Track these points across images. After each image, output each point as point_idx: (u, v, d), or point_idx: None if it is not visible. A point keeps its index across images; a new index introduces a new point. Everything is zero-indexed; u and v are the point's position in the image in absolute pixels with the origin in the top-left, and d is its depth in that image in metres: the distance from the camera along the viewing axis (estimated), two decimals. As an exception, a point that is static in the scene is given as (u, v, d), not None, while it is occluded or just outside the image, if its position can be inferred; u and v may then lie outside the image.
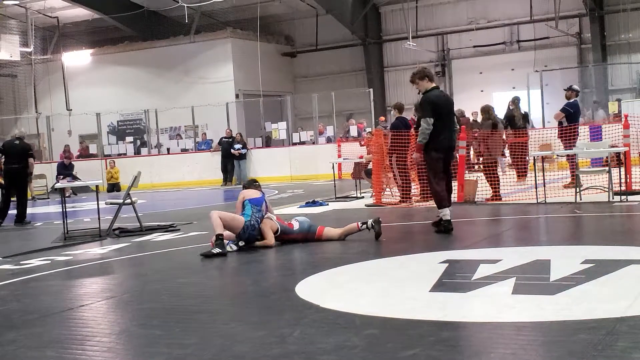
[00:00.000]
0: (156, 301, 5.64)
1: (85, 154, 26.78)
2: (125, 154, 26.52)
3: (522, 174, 14.26)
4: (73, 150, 26.15)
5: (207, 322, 4.81)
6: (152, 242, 9.33)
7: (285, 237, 8.10)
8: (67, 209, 10.69)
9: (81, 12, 28.69)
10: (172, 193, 21.46)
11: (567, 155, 12.28)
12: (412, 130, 12.17)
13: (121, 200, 10.68)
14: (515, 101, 15.67)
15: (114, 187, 23.63)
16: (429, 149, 8.38)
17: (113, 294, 6.10)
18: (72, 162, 24.22)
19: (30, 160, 13.78)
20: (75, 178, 22.42)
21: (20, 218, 13.28)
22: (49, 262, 8.10)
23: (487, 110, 12.40)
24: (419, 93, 8.73)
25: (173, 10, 26.91)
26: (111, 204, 11.16)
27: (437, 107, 8.33)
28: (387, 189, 13.16)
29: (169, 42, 28.11)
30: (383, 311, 4.76)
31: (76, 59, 28.87)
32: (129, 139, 27.64)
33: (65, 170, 23.28)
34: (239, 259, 7.54)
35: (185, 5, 25.12)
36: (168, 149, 26.35)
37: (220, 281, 6.46)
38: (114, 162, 24.72)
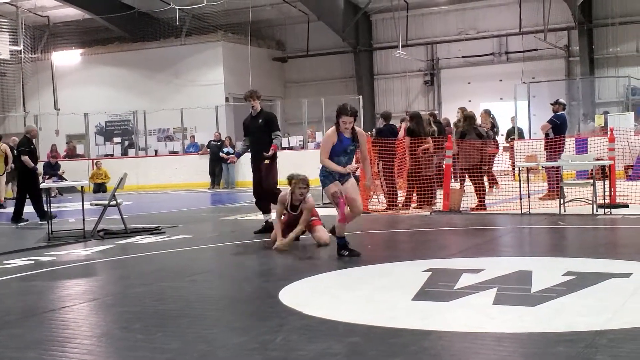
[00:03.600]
0: (138, 305, 5.63)
1: (72, 154, 26.65)
2: (112, 155, 26.43)
3: (492, 184, 14.47)
4: (60, 150, 26.04)
5: (189, 327, 4.80)
6: (137, 244, 9.31)
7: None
8: (52, 209, 10.64)
9: (72, 12, 28.60)
10: (159, 195, 21.40)
11: (552, 167, 12.36)
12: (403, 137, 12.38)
13: (106, 202, 10.65)
14: (488, 113, 15.85)
15: (100, 188, 23.53)
16: (275, 159, 9.57)
17: (95, 296, 6.08)
18: (59, 162, 24.11)
19: (23, 158, 13.47)
20: (61, 178, 22.31)
21: (40, 213, 12.98)
22: (33, 262, 8.07)
23: (468, 117, 12.55)
24: (252, 108, 9.71)
25: (164, 12, 26.88)
26: (96, 205, 11.12)
27: None
28: (374, 196, 13.20)
29: (159, 44, 28.07)
30: (366, 319, 4.78)
31: (66, 58, 28.76)
32: (117, 139, 27.55)
33: (51, 170, 23.18)
34: (223, 263, 7.54)
35: (177, 7, 25.11)
36: (156, 151, 26.28)
37: (203, 286, 6.45)
38: (100, 163, 24.62)
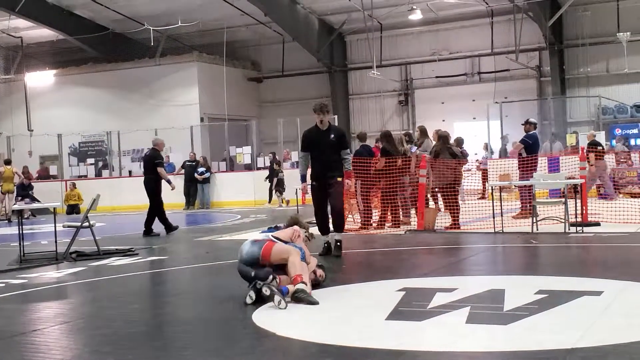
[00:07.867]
0: (110, 327, 5.57)
1: (44, 175, 26.36)
2: (86, 176, 26.20)
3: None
4: (32, 171, 25.78)
5: (161, 349, 4.76)
6: (109, 266, 9.22)
7: None
8: (24, 231, 10.52)
9: (45, 33, 28.43)
10: (133, 216, 21.21)
11: (525, 186, 12.49)
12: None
13: (79, 223, 10.55)
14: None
15: (73, 210, 23.29)
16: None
17: (67, 319, 6.01)
18: (32, 183, 23.86)
19: (160, 169, 13.54)
20: (33, 199, 22.06)
21: (165, 226, 13.49)
22: (4, 285, 7.95)
23: (441, 137, 12.67)
24: (321, 122, 9.10)
25: (139, 32, 26.83)
26: (69, 226, 11.01)
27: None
28: (350, 215, 13.22)
29: (133, 64, 27.99)
30: (339, 339, 4.78)
31: (39, 79, 28.55)
32: (91, 160, 27.34)
33: (23, 191, 22.92)
34: (197, 284, 7.50)
35: (151, 28, 25.10)
36: (130, 172, 26.10)
37: (176, 308, 6.40)
38: (74, 184, 24.38)
